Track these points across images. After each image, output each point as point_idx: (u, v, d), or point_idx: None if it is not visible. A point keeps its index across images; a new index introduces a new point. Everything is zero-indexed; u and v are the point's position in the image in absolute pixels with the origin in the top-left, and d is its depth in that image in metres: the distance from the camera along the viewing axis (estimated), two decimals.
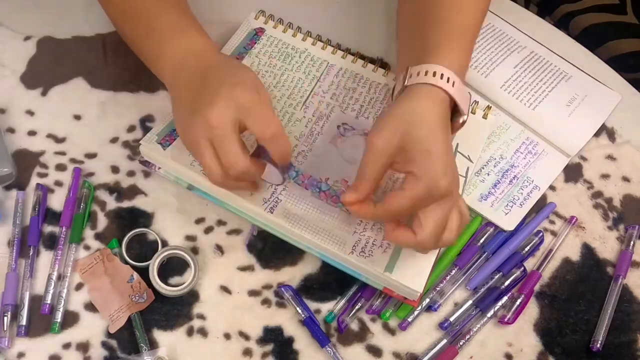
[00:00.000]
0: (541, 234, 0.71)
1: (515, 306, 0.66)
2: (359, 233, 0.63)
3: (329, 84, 0.73)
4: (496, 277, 0.68)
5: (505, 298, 0.67)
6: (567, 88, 0.79)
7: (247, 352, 0.63)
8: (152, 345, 0.62)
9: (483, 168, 0.73)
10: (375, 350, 0.64)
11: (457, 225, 0.58)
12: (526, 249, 0.70)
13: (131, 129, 0.72)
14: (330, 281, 0.66)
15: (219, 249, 0.67)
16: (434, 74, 0.58)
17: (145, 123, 0.72)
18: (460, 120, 0.60)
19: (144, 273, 0.64)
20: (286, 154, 0.58)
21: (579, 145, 0.76)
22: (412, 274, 0.62)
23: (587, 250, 0.71)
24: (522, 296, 0.67)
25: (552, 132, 0.76)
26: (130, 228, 0.67)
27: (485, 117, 0.73)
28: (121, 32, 0.69)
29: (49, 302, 0.62)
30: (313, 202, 0.64)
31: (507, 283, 0.67)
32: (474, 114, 0.73)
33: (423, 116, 0.56)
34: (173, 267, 0.65)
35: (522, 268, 0.68)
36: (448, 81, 0.58)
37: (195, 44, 0.63)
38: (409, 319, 0.65)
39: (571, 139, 0.76)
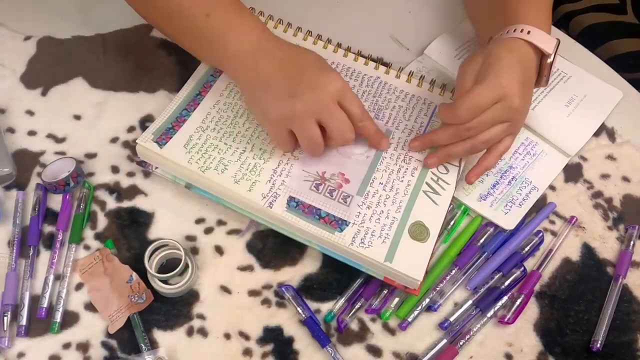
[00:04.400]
0: (541, 234, 0.71)
1: (515, 306, 0.66)
2: (357, 225, 0.63)
3: None
4: (496, 277, 0.68)
5: (505, 298, 0.67)
6: (567, 88, 0.79)
7: (247, 352, 0.63)
8: (152, 345, 0.62)
9: None
10: (375, 350, 0.64)
11: (501, 132, 0.65)
12: (526, 249, 0.70)
13: (131, 129, 0.72)
14: (330, 281, 0.66)
15: (218, 249, 0.67)
16: (514, 30, 0.66)
17: (145, 123, 0.72)
18: (548, 61, 0.66)
19: (144, 274, 0.64)
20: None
21: (579, 145, 0.76)
22: (412, 263, 0.62)
23: (587, 250, 0.71)
24: (522, 296, 0.67)
25: (551, 132, 0.76)
26: (130, 228, 0.67)
27: None
28: (166, 27, 0.68)
29: (45, 305, 0.62)
30: (311, 196, 0.64)
31: (507, 283, 0.67)
32: None
33: (499, 53, 0.65)
34: (174, 267, 0.65)
35: (522, 268, 0.68)
36: (522, 31, 0.66)
37: (255, 29, 0.65)
38: (409, 319, 0.65)
39: (571, 139, 0.76)
